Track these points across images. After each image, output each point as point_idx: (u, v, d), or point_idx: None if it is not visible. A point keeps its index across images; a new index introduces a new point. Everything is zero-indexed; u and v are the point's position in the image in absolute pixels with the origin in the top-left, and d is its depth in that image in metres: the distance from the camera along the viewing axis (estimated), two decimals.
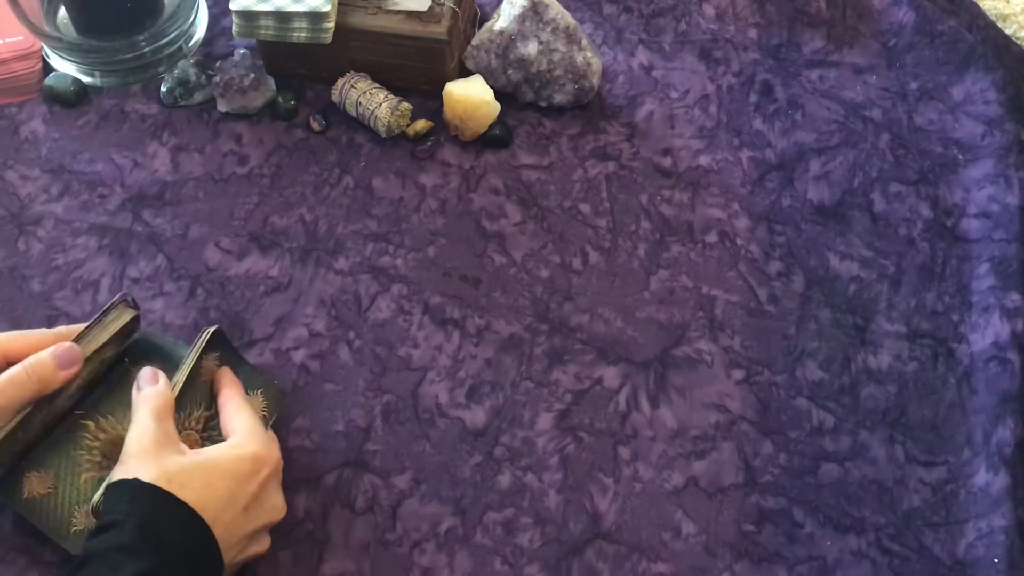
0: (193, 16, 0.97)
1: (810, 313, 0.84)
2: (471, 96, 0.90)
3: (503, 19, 0.91)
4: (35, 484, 0.66)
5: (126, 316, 0.71)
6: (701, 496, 0.75)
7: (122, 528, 0.55)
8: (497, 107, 0.91)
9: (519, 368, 0.80)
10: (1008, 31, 1.05)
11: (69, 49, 0.93)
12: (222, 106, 0.93)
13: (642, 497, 0.75)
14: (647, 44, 1.01)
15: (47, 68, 0.96)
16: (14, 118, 0.94)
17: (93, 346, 0.68)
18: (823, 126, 0.95)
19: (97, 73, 0.96)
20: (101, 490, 0.61)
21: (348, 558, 0.72)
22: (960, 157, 0.93)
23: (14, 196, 0.89)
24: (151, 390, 0.66)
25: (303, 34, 0.89)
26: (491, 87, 0.91)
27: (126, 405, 0.68)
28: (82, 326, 0.69)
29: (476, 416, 0.78)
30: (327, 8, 0.87)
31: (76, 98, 0.94)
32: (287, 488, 0.75)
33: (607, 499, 0.75)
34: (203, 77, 0.94)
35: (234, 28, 0.90)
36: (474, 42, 0.93)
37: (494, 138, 0.92)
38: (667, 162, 0.93)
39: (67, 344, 0.66)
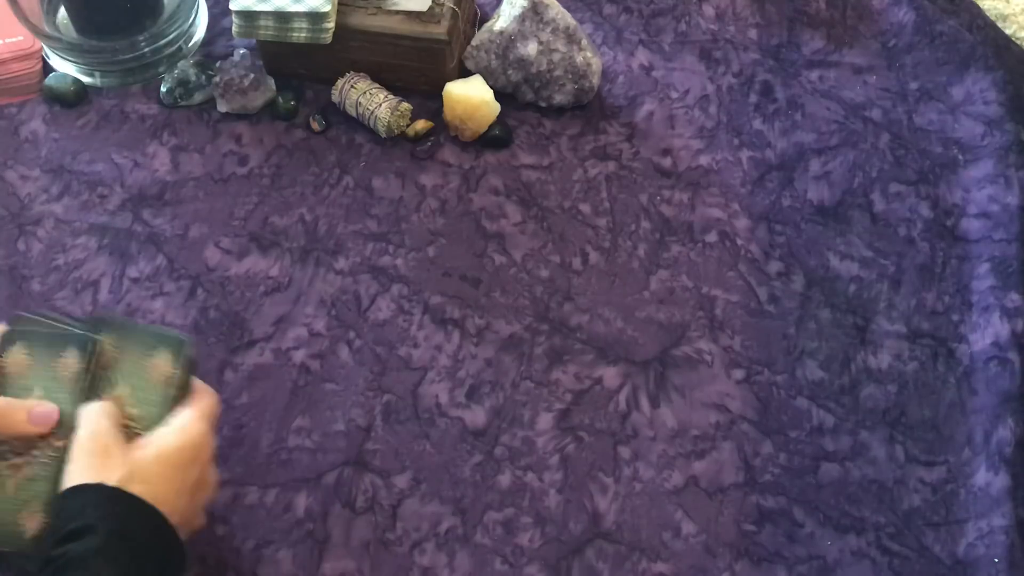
0: (193, 16, 0.97)
1: (810, 313, 0.84)
2: (471, 96, 0.90)
3: (503, 19, 0.91)
4: None
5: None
6: (701, 496, 0.75)
7: (97, 533, 0.55)
8: (497, 107, 0.91)
9: (519, 368, 0.80)
10: (1008, 31, 1.05)
11: (69, 49, 0.93)
12: (222, 106, 0.94)
13: (642, 497, 0.75)
14: (647, 44, 1.01)
15: (47, 68, 0.96)
16: (14, 118, 0.94)
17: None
18: (823, 126, 0.95)
19: (97, 73, 0.96)
20: (58, 493, 0.59)
21: (348, 557, 0.72)
22: (960, 157, 0.93)
23: (14, 196, 0.89)
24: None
25: (303, 34, 0.89)
26: (491, 87, 0.91)
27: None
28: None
29: (476, 416, 0.78)
30: (327, 8, 0.87)
31: (76, 98, 0.94)
32: (287, 488, 0.75)
33: (607, 499, 0.75)
34: (203, 77, 0.94)
35: (234, 28, 0.90)
36: (474, 42, 0.93)
37: (494, 138, 0.92)
38: (667, 162, 0.93)
39: (48, 407, 0.63)
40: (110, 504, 0.58)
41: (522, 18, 0.90)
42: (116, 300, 0.83)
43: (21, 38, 0.94)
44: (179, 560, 0.60)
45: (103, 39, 0.93)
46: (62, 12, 0.95)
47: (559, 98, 0.94)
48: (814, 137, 0.94)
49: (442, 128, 0.93)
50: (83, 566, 0.54)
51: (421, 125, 0.92)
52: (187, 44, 0.97)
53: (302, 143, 0.93)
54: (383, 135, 0.92)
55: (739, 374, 0.81)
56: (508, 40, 0.91)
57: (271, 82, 0.94)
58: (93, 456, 0.60)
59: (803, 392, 0.80)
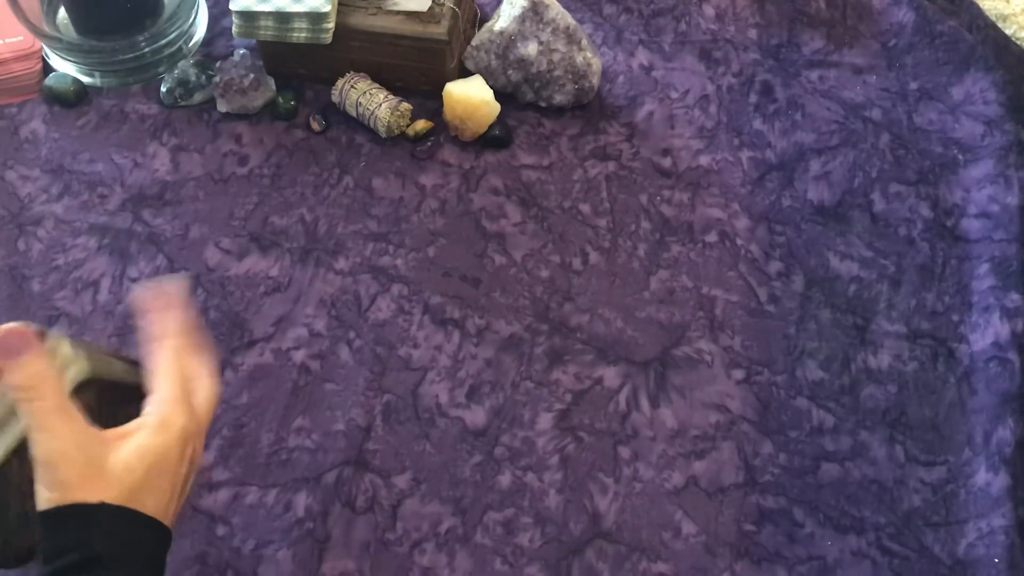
0: (193, 16, 0.97)
1: (810, 313, 0.84)
2: (471, 96, 0.90)
3: (503, 19, 0.91)
4: None
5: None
6: (701, 496, 0.75)
7: (106, 566, 0.47)
8: (497, 107, 0.91)
9: (519, 368, 0.80)
10: (1008, 31, 1.05)
11: (69, 49, 0.93)
12: (222, 106, 0.94)
13: (642, 497, 0.75)
14: (647, 44, 1.01)
15: (47, 68, 0.96)
16: (14, 118, 0.94)
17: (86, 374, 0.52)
18: (823, 126, 0.95)
19: (97, 73, 0.96)
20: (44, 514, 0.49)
21: (348, 557, 0.72)
22: (960, 157, 0.93)
23: (14, 196, 0.89)
24: (29, 376, 0.49)
25: (303, 34, 0.89)
26: (491, 87, 0.91)
27: None
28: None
29: (476, 416, 0.78)
30: (327, 8, 0.87)
31: (76, 98, 0.94)
32: (287, 488, 0.75)
33: (607, 499, 0.75)
34: (203, 77, 0.94)
35: (234, 28, 0.90)
36: (474, 42, 0.93)
37: (494, 138, 0.92)
38: (667, 162, 0.93)
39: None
40: (118, 529, 0.49)
41: (522, 18, 0.90)
42: (116, 300, 0.83)
43: (21, 38, 0.94)
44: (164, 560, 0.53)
45: (103, 39, 0.93)
46: (62, 12, 0.95)
47: (559, 98, 0.94)
48: (814, 137, 0.94)
49: (442, 128, 0.93)
50: None
51: (421, 125, 0.92)
52: (187, 44, 0.97)
53: (302, 143, 0.93)
54: (383, 135, 0.92)
55: (739, 374, 0.81)
56: (508, 40, 0.91)
57: (271, 82, 0.94)
58: (80, 472, 0.48)
59: (803, 392, 0.80)
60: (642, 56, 1.00)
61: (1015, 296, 0.82)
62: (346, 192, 0.90)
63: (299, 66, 0.95)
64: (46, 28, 0.93)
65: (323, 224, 0.88)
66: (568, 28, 0.91)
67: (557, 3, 0.91)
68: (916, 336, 0.83)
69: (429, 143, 0.93)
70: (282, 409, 0.78)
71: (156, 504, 0.51)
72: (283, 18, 0.88)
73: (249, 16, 0.89)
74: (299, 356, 0.80)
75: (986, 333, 0.82)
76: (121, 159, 0.91)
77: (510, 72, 0.93)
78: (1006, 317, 0.82)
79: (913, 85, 0.98)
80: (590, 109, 0.96)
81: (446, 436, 0.77)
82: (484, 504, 0.74)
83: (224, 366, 0.80)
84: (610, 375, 0.80)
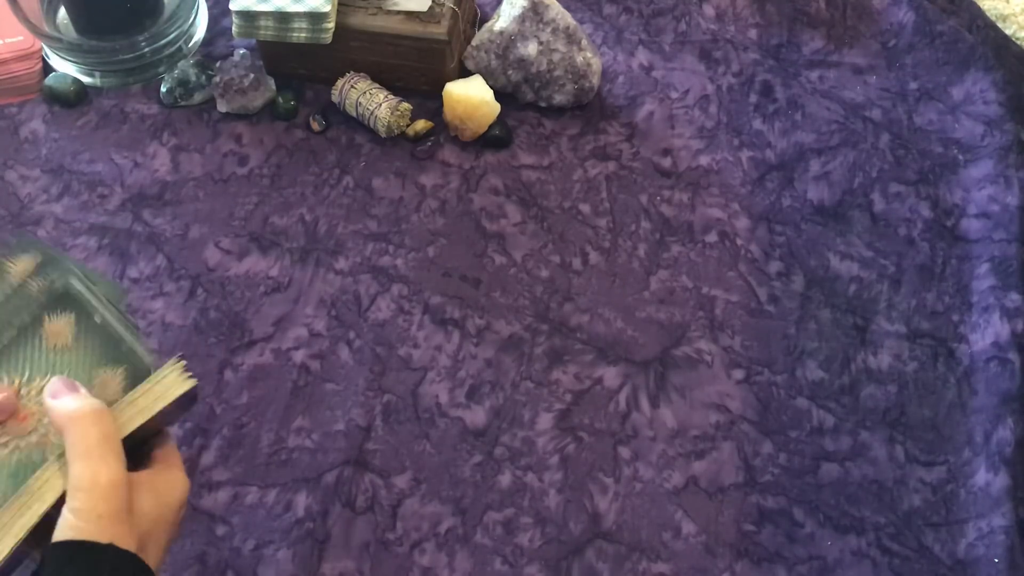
0: (193, 16, 0.97)
1: (810, 313, 0.84)
2: (471, 96, 0.90)
3: (503, 19, 0.91)
4: None
5: (179, 388, 0.53)
6: (701, 496, 0.75)
7: None
8: (497, 107, 0.91)
9: (519, 368, 0.80)
10: (1008, 31, 1.05)
11: (69, 49, 0.93)
12: (222, 106, 0.94)
13: (642, 497, 0.75)
14: (647, 44, 1.01)
15: (47, 68, 0.96)
16: (14, 118, 0.94)
17: (137, 421, 0.52)
18: (823, 126, 0.95)
19: (97, 73, 0.96)
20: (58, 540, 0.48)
21: (348, 558, 0.72)
22: (960, 157, 0.93)
23: (14, 196, 0.89)
24: (82, 406, 0.49)
25: (303, 34, 0.89)
26: (491, 87, 0.91)
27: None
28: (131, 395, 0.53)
29: (476, 416, 0.78)
30: (327, 8, 0.87)
31: (76, 98, 0.94)
32: (287, 488, 0.75)
33: (607, 499, 0.75)
34: (203, 77, 0.94)
35: (234, 28, 0.90)
36: (474, 42, 0.93)
37: (494, 138, 0.92)
38: (667, 162, 0.93)
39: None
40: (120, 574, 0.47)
41: (522, 18, 0.90)
42: None
43: (21, 38, 0.94)
44: None
45: (103, 39, 0.93)
46: (62, 12, 0.95)
47: (559, 98, 0.94)
48: (814, 137, 0.94)
49: (442, 128, 0.93)
50: None
51: (421, 125, 0.92)
52: (187, 44, 0.97)
53: (302, 143, 0.93)
54: (383, 135, 0.92)
55: (739, 374, 0.81)
56: (508, 40, 0.91)
57: (271, 82, 0.94)
58: (107, 511, 0.47)
59: (803, 392, 0.80)
60: (642, 56, 1.00)
61: (1015, 296, 0.82)
62: (346, 192, 0.90)
63: (299, 66, 0.95)
64: (46, 28, 0.93)
65: (323, 224, 0.88)
66: (568, 28, 0.91)
67: (557, 3, 0.91)
68: (916, 336, 0.83)
69: (429, 143, 0.93)
70: (282, 409, 0.78)
71: (156, 555, 0.51)
72: (283, 18, 0.88)
73: (249, 16, 0.89)
74: (299, 356, 0.80)
75: (986, 333, 0.82)
76: (121, 159, 0.91)
77: (510, 72, 0.93)
78: (1006, 317, 0.82)
79: (913, 85, 0.98)
80: (590, 109, 0.96)
81: (446, 436, 0.77)
82: (484, 504, 0.74)
83: (224, 366, 0.80)
84: (610, 375, 0.80)
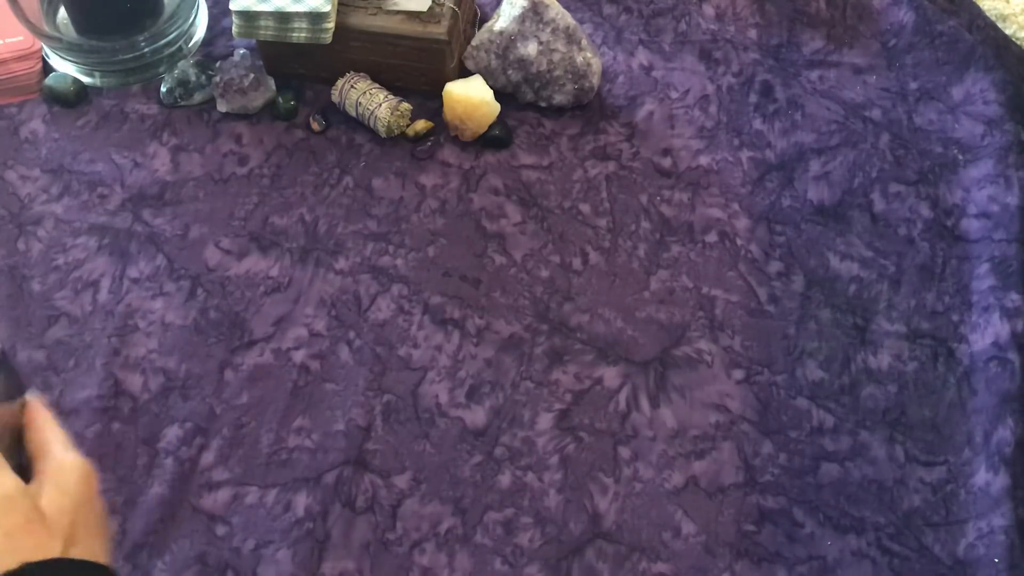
0: (193, 16, 0.97)
1: (810, 313, 0.84)
2: (471, 96, 0.90)
3: (503, 19, 0.91)
4: None
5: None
6: (701, 496, 0.75)
7: None
8: (497, 107, 0.91)
9: (519, 368, 0.80)
10: (1008, 31, 1.05)
11: (69, 49, 0.93)
12: (222, 106, 0.93)
13: (642, 497, 0.75)
14: (647, 44, 1.01)
15: (47, 68, 0.96)
16: (14, 118, 0.94)
17: None
18: (823, 126, 0.95)
19: (97, 73, 0.96)
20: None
21: (348, 557, 0.72)
22: (960, 157, 0.93)
23: (14, 196, 0.89)
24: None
25: (303, 34, 0.89)
26: (491, 87, 0.91)
27: None
28: None
29: (476, 416, 0.78)
30: (327, 8, 0.87)
31: (76, 98, 0.94)
32: (287, 488, 0.75)
33: (607, 499, 0.75)
34: (203, 77, 0.94)
35: (234, 28, 0.90)
36: (474, 42, 0.93)
37: (494, 138, 0.92)
38: (667, 162, 0.93)
39: None
40: None
41: (522, 18, 0.90)
42: (116, 300, 0.83)
43: (21, 38, 0.94)
44: None
45: (103, 39, 0.93)
46: (62, 12, 0.95)
47: (559, 98, 0.93)
48: (814, 137, 0.94)
49: (442, 128, 0.93)
50: None
51: (421, 125, 0.92)
52: (187, 44, 0.97)
53: (302, 143, 0.93)
54: (383, 135, 0.92)
55: (739, 374, 0.81)
56: (508, 40, 0.91)
57: (271, 82, 0.94)
58: (22, 511, 0.46)
59: (803, 392, 0.80)
60: (642, 56, 1.00)
61: (1015, 296, 0.82)
62: (346, 192, 0.90)
63: (299, 66, 0.95)
64: (46, 28, 0.93)
65: (323, 224, 0.88)
66: (568, 28, 0.91)
67: (557, 3, 0.91)
68: (916, 336, 0.83)
69: (429, 143, 0.93)
70: (282, 409, 0.78)
71: (91, 545, 0.48)
72: (283, 18, 0.88)
73: (249, 16, 0.89)
74: (299, 356, 0.80)
75: (986, 333, 0.82)
76: (121, 159, 0.91)
77: (510, 72, 0.93)
78: (1006, 317, 0.82)
79: (913, 85, 0.98)
80: (590, 109, 0.96)
81: (446, 436, 0.77)
82: (484, 504, 0.74)
83: (224, 366, 0.80)
84: (610, 375, 0.80)
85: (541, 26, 0.90)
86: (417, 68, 0.92)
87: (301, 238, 0.87)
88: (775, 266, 0.86)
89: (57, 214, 0.88)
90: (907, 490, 0.75)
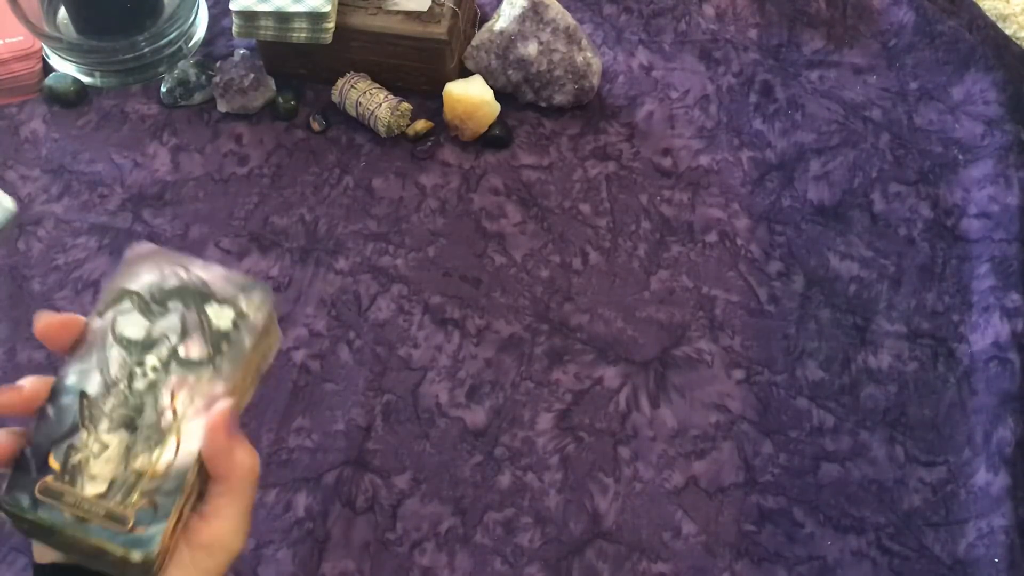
0: (193, 16, 0.97)
1: (810, 313, 0.84)
2: (471, 96, 0.90)
3: (503, 19, 0.91)
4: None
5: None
6: (701, 496, 0.75)
7: None
8: (497, 107, 0.91)
9: (519, 368, 0.80)
10: (1008, 31, 1.05)
11: (69, 49, 0.93)
12: (222, 106, 0.93)
13: (642, 497, 0.75)
14: (647, 44, 1.01)
15: (47, 68, 0.96)
16: (14, 118, 0.94)
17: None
18: (823, 126, 0.95)
19: (97, 73, 0.96)
20: None
21: (348, 557, 0.72)
22: (960, 157, 0.93)
23: (14, 196, 0.89)
24: (255, 465, 0.44)
25: (303, 34, 0.89)
26: (491, 87, 0.91)
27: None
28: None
29: (476, 416, 0.78)
30: (327, 8, 0.87)
31: (76, 98, 0.94)
32: (287, 488, 0.75)
33: (607, 499, 0.75)
34: (203, 77, 0.94)
35: (234, 28, 0.90)
36: (474, 42, 0.93)
37: (494, 138, 0.92)
38: (667, 162, 0.93)
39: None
40: None
41: (522, 18, 0.90)
42: None
43: (21, 38, 0.94)
44: None
45: (103, 39, 0.93)
46: (62, 12, 0.95)
47: (559, 98, 0.93)
48: (814, 137, 0.94)
49: (442, 128, 0.93)
50: None
51: (421, 125, 0.92)
52: (187, 44, 0.97)
53: (302, 143, 0.93)
54: (383, 135, 0.92)
55: (739, 374, 0.80)
56: (508, 40, 0.91)
57: (271, 82, 0.94)
58: (228, 559, 0.44)
59: (803, 392, 0.80)
60: (642, 56, 1.00)
61: (1015, 296, 0.82)
62: (346, 192, 0.90)
63: (299, 66, 0.95)
64: (46, 28, 0.93)
65: (323, 224, 0.88)
66: (568, 28, 0.91)
67: (557, 3, 0.91)
68: (916, 336, 0.83)
69: (429, 143, 0.93)
70: (282, 409, 0.78)
71: None
72: (283, 18, 0.88)
73: (249, 16, 0.89)
74: (299, 356, 0.80)
75: (986, 333, 0.82)
76: (121, 159, 0.91)
77: (510, 72, 0.93)
78: (1006, 317, 0.82)
79: (913, 85, 0.98)
80: (590, 109, 0.95)
81: (446, 436, 0.77)
82: (484, 504, 0.74)
83: None
84: (610, 375, 0.80)
85: (541, 26, 0.90)
86: (417, 68, 0.92)
87: (301, 238, 0.87)
88: (775, 266, 0.86)
89: (57, 214, 0.88)
90: (907, 490, 0.75)
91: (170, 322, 0.47)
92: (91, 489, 0.42)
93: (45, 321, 0.47)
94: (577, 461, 0.76)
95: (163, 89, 0.94)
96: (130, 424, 0.44)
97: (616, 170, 0.92)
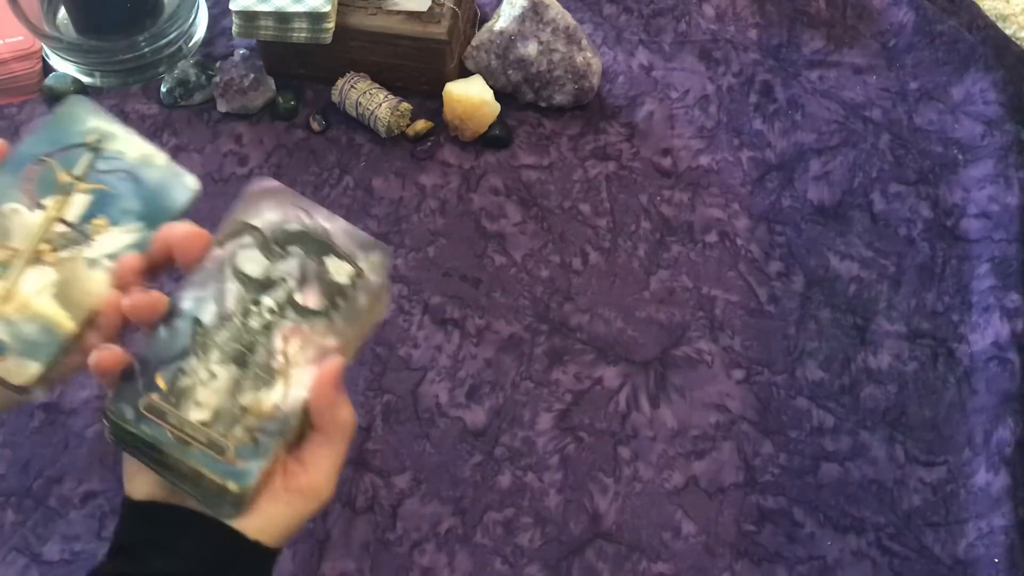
0: (193, 16, 0.97)
1: (810, 313, 0.84)
2: (471, 96, 0.90)
3: (503, 19, 0.91)
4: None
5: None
6: (701, 496, 0.75)
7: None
8: (497, 107, 0.91)
9: (519, 368, 0.80)
10: (1008, 31, 1.05)
11: (69, 49, 0.93)
12: (222, 106, 0.93)
13: (642, 497, 0.75)
14: (647, 44, 1.01)
15: (47, 68, 0.96)
16: (14, 118, 0.94)
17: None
18: (823, 126, 0.95)
19: (97, 73, 0.96)
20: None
21: (348, 557, 0.72)
22: (960, 157, 0.93)
23: None
24: (353, 419, 0.45)
25: (303, 34, 0.89)
26: (491, 87, 0.91)
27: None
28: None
29: (476, 416, 0.78)
30: (327, 8, 0.87)
31: None
32: None
33: (607, 499, 0.75)
34: (203, 77, 0.94)
35: (234, 28, 0.90)
36: (474, 42, 0.93)
37: (494, 138, 0.92)
38: (667, 162, 0.93)
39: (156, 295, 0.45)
40: (225, 559, 0.45)
41: (522, 18, 0.90)
42: None
43: (21, 38, 0.94)
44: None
45: (103, 39, 0.93)
46: (62, 12, 0.95)
47: (559, 98, 0.93)
48: (814, 137, 0.94)
49: (442, 128, 0.93)
50: None
51: (421, 125, 0.92)
52: (187, 44, 0.97)
53: (302, 143, 0.93)
54: (383, 135, 0.92)
55: (739, 374, 0.81)
56: (508, 40, 0.91)
57: (271, 82, 0.94)
58: (326, 495, 0.46)
59: (803, 392, 0.80)
60: (642, 56, 1.00)
61: (1015, 296, 0.82)
62: (346, 192, 0.90)
63: (299, 66, 0.95)
64: (46, 28, 0.93)
65: None
66: (568, 28, 0.91)
67: (557, 3, 0.91)
68: (916, 336, 0.83)
69: (429, 143, 0.93)
70: None
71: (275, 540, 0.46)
72: (283, 18, 0.88)
73: (249, 16, 0.89)
74: None
75: (986, 333, 0.82)
76: None
77: (510, 72, 0.93)
78: (1006, 317, 0.82)
79: (913, 85, 0.98)
80: (590, 109, 0.96)
81: (446, 436, 0.77)
82: (484, 504, 0.74)
83: None
84: (610, 375, 0.80)
85: (541, 26, 0.90)
86: (417, 68, 0.92)
87: None
88: (775, 266, 0.86)
89: None
90: (907, 490, 0.76)
91: (289, 266, 0.47)
92: (195, 415, 0.43)
93: (181, 231, 0.48)
94: (577, 461, 0.76)
95: (163, 89, 0.94)
96: (240, 360, 0.44)
97: (616, 170, 0.92)
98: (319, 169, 0.91)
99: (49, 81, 0.94)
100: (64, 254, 0.46)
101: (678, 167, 0.92)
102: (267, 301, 0.46)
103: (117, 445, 0.44)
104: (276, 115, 0.94)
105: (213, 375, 0.43)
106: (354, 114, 0.92)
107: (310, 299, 0.46)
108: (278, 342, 0.44)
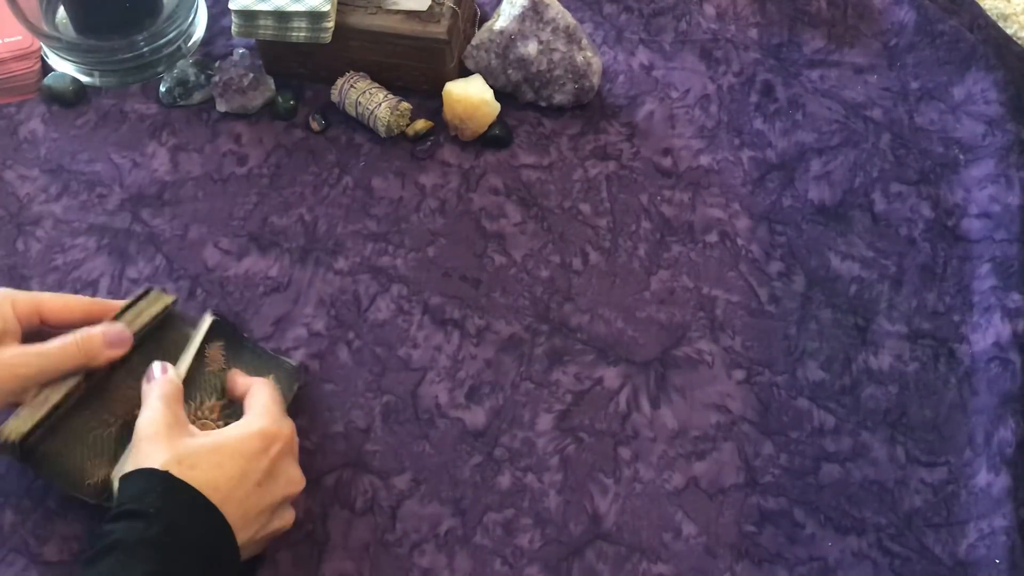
0: (192, 16, 0.97)
1: (811, 313, 0.84)
2: (471, 96, 0.89)
3: (503, 19, 0.91)
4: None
5: (164, 301, 0.73)
6: (702, 497, 0.75)
7: (149, 522, 0.57)
8: (497, 107, 0.91)
9: (519, 368, 0.80)
10: (1009, 31, 1.05)
11: (68, 49, 0.93)
12: (221, 106, 0.93)
13: (642, 498, 0.75)
14: (647, 44, 1.01)
15: (46, 68, 0.96)
16: (13, 118, 0.94)
17: (133, 328, 0.70)
18: (824, 126, 0.95)
19: (96, 73, 0.95)
20: (117, 479, 0.62)
21: (348, 559, 0.71)
22: (961, 157, 0.93)
23: (13, 196, 0.89)
24: (160, 378, 0.67)
25: (302, 34, 0.89)
26: (491, 87, 0.91)
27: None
28: (119, 303, 0.72)
29: (476, 416, 0.78)
30: (327, 8, 0.87)
31: (75, 98, 0.94)
32: None
33: (607, 500, 0.74)
34: (202, 77, 0.94)
35: (233, 28, 0.90)
36: (474, 42, 0.93)
37: (494, 138, 0.92)
38: (667, 162, 0.92)
39: (119, 326, 0.68)
40: (164, 491, 0.59)
41: (522, 17, 0.90)
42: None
43: (20, 37, 0.94)
44: (229, 555, 0.61)
45: (102, 39, 0.92)
46: (61, 12, 0.95)
47: (559, 98, 0.93)
48: (815, 137, 0.94)
49: (442, 128, 0.93)
50: (132, 552, 0.56)
51: (421, 125, 0.92)
52: (186, 44, 0.97)
53: (302, 143, 0.93)
54: (383, 135, 0.92)
55: (740, 375, 0.80)
56: (508, 40, 0.91)
57: (271, 82, 0.94)
58: (145, 439, 0.62)
59: (804, 393, 0.80)
60: (642, 55, 1.00)
61: (1016, 296, 0.82)
62: (346, 192, 0.90)
63: (299, 66, 0.95)
64: (45, 27, 0.93)
65: (323, 224, 0.88)
66: (568, 27, 0.91)
67: (557, 2, 0.91)
68: (917, 336, 0.83)
69: (429, 143, 0.93)
70: None
71: (208, 479, 0.60)
72: (282, 17, 0.88)
73: (248, 15, 0.89)
74: (298, 356, 0.80)
75: (987, 333, 0.82)
76: (120, 159, 0.91)
77: (510, 72, 0.93)
78: (1007, 317, 0.81)
79: (914, 84, 0.98)
80: (590, 109, 0.95)
81: (446, 437, 0.77)
82: (484, 505, 0.74)
83: None
84: (610, 375, 0.80)
85: (541, 25, 0.90)
86: (417, 68, 0.92)
87: (300, 238, 0.87)
88: (776, 266, 0.86)
89: (56, 214, 0.88)
90: (908, 491, 0.75)
91: None
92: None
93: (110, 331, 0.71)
94: (577, 462, 0.76)
95: (162, 89, 0.94)
96: None
97: (616, 170, 0.92)
98: (318, 169, 0.91)
99: (48, 81, 0.94)
100: None
101: (678, 167, 0.92)
102: None
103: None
104: (275, 115, 0.94)
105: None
106: (354, 114, 0.92)
107: None
108: None
